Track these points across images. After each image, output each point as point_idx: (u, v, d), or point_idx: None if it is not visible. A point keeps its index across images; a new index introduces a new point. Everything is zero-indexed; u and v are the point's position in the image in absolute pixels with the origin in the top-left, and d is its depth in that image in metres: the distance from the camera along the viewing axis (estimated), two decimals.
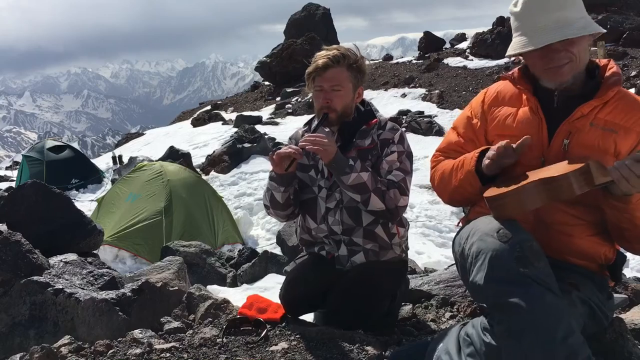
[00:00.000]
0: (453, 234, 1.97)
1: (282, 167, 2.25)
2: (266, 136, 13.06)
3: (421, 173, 11.07)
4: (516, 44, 1.80)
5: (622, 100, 1.78)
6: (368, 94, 19.06)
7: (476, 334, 1.61)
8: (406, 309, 2.73)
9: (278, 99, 21.76)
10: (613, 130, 1.73)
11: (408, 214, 8.94)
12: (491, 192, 1.73)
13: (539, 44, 1.74)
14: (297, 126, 16.07)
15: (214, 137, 15.49)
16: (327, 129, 2.39)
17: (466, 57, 20.41)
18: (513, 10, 1.82)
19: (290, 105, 19.70)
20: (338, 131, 2.42)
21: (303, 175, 2.50)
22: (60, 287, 2.63)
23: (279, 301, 2.53)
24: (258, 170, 11.05)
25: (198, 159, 12.99)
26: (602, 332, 1.87)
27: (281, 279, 4.41)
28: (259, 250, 6.05)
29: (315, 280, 2.45)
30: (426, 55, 22.82)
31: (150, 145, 17.92)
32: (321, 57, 2.35)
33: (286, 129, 15.10)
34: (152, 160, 11.34)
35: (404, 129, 2.47)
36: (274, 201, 2.43)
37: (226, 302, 2.58)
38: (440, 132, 14.00)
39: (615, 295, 1.96)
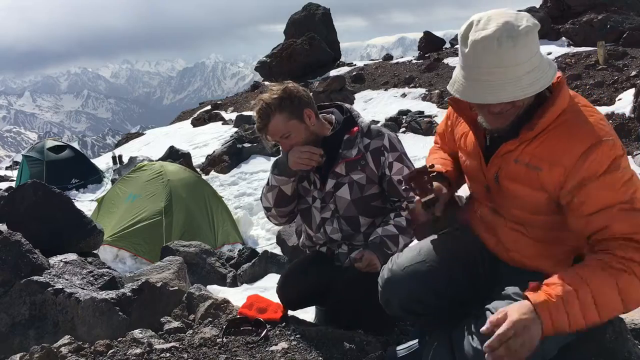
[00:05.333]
0: None
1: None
2: None
3: None
4: (453, 83, 1.58)
5: (555, 131, 1.56)
6: (368, 94, 19.06)
7: (465, 337, 1.62)
8: None
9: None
10: (537, 168, 1.57)
11: None
12: None
13: (486, 99, 1.52)
14: None
15: (214, 137, 15.49)
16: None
17: None
18: (460, 47, 1.55)
19: None
20: (321, 146, 2.38)
21: (298, 185, 2.51)
22: (60, 287, 2.63)
23: (279, 301, 2.53)
24: (258, 170, 11.05)
25: (198, 159, 12.99)
26: (602, 332, 1.87)
27: None
28: (259, 250, 6.05)
29: (313, 274, 2.49)
30: (426, 55, 22.80)
31: (150, 145, 17.92)
32: (255, 117, 2.36)
33: None
34: (152, 160, 11.34)
35: (385, 130, 2.45)
36: (280, 197, 2.44)
37: (226, 302, 2.58)
38: None
39: None
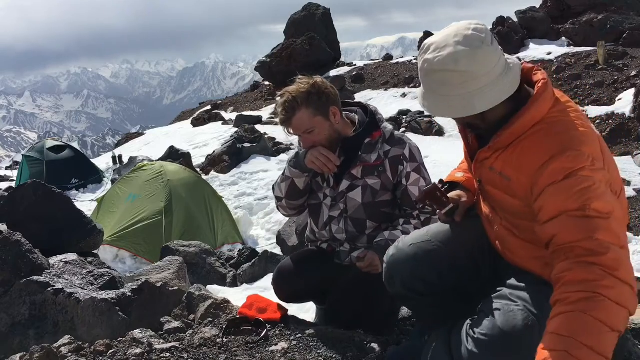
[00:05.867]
0: None
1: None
2: (266, 136, 13.05)
3: None
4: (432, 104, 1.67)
5: (526, 141, 1.57)
6: (368, 94, 19.05)
7: (462, 339, 1.63)
8: (406, 309, 2.73)
9: (278, 99, 21.68)
10: (506, 178, 1.61)
11: None
12: None
13: (439, 113, 1.65)
14: None
15: (214, 137, 15.49)
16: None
17: None
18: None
19: None
20: (340, 147, 2.38)
21: (312, 180, 2.52)
22: (60, 287, 2.63)
23: (279, 301, 2.54)
24: (258, 170, 11.04)
25: (198, 159, 12.98)
26: None
27: None
28: (259, 250, 6.05)
29: (309, 273, 2.49)
30: None
31: (150, 145, 17.91)
32: (279, 109, 2.32)
33: None
34: (152, 160, 11.33)
35: (406, 134, 2.42)
36: (292, 190, 2.44)
37: (226, 302, 2.58)
38: (440, 132, 13.98)
39: None
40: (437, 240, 1.88)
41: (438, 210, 1.91)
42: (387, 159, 2.34)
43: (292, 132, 2.35)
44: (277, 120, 2.38)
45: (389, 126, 2.42)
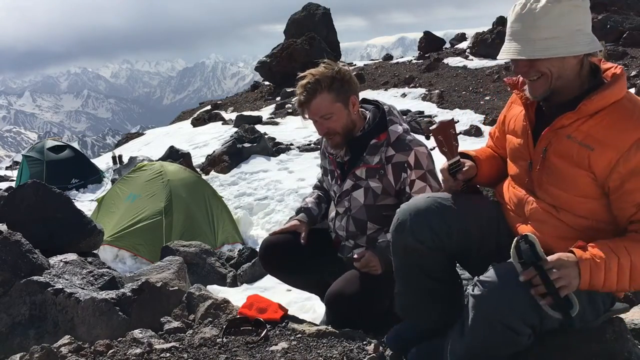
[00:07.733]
0: None
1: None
2: (266, 136, 13.05)
3: None
4: (502, 49, 1.74)
5: (612, 114, 1.62)
6: (368, 94, 19.06)
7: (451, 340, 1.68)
8: None
9: (278, 99, 21.72)
10: (589, 147, 1.62)
11: None
12: None
13: (501, 56, 1.72)
14: (297, 126, 15.82)
15: (214, 137, 15.48)
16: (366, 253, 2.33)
17: (466, 57, 20.35)
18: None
19: (290, 105, 19.66)
20: (347, 145, 2.38)
21: (325, 178, 2.62)
22: (60, 287, 2.63)
23: (279, 301, 2.54)
24: (258, 170, 11.03)
25: (198, 159, 12.97)
26: (602, 332, 1.88)
27: None
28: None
29: (297, 245, 2.51)
30: (426, 55, 22.79)
31: (150, 145, 17.91)
32: (299, 90, 2.28)
33: (286, 129, 15.08)
34: (152, 160, 11.33)
35: (415, 142, 2.37)
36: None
37: (226, 302, 2.58)
38: None
39: (617, 303, 1.95)
40: (452, 203, 1.92)
41: (444, 161, 1.94)
42: (389, 163, 2.31)
43: (308, 115, 2.33)
44: (296, 99, 2.34)
45: (398, 128, 2.35)
